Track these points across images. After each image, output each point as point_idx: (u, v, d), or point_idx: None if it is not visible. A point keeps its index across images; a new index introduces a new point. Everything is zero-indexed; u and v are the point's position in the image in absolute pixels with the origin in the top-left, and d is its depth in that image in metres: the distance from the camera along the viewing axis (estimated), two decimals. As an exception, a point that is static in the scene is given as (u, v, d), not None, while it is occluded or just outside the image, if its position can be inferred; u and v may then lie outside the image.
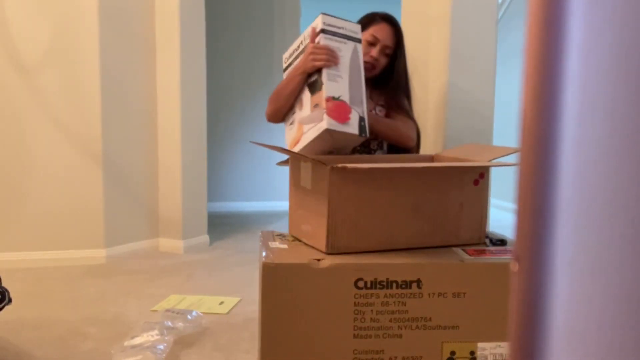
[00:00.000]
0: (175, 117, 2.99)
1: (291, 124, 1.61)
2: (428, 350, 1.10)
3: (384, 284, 1.08)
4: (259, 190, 4.53)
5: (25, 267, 2.60)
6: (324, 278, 1.07)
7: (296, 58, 1.58)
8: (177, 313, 1.81)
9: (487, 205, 1.34)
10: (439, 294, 1.09)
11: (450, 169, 1.21)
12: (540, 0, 0.31)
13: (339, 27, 1.51)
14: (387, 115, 1.80)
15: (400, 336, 1.09)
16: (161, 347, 1.55)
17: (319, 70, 1.48)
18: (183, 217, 3.03)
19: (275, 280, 1.07)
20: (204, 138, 3.20)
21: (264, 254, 1.13)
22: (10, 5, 2.57)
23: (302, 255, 1.11)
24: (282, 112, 1.65)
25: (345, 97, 1.46)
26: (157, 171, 3.06)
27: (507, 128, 4.18)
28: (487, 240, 1.26)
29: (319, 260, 1.08)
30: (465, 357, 1.12)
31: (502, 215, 3.98)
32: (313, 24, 1.53)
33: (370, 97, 1.82)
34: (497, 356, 1.12)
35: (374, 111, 1.79)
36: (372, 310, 1.08)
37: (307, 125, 1.49)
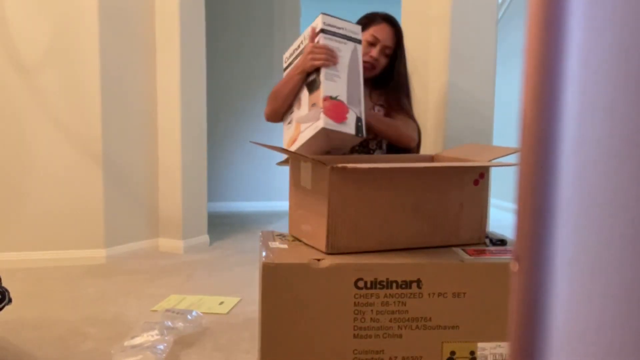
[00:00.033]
0: (175, 117, 2.99)
1: (289, 123, 1.62)
2: (428, 350, 1.10)
3: (384, 284, 1.08)
4: (259, 190, 4.53)
5: (25, 267, 2.60)
6: (324, 278, 1.07)
7: (296, 58, 1.59)
8: (177, 313, 1.81)
9: (487, 205, 1.34)
10: (439, 294, 1.09)
11: (450, 169, 1.21)
12: (540, 0, 0.31)
13: (339, 28, 1.51)
14: (387, 115, 1.80)
15: (400, 336, 1.09)
16: (161, 347, 1.55)
17: (317, 70, 1.48)
18: (183, 217, 3.03)
19: (275, 280, 1.07)
20: (204, 138, 3.20)
21: (264, 254, 1.13)
22: (10, 5, 2.57)
23: (302, 255, 1.11)
24: (280, 112, 1.65)
25: (343, 97, 1.46)
26: (157, 171, 3.06)
27: (507, 128, 4.18)
28: (487, 240, 1.26)
29: (319, 260, 1.08)
30: (465, 357, 1.12)
31: (502, 215, 3.98)
32: (313, 24, 1.54)
33: (369, 97, 1.82)
34: (497, 356, 1.12)
35: (373, 111, 1.79)
36: (372, 310, 1.08)
37: (305, 124, 1.49)
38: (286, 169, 1.40)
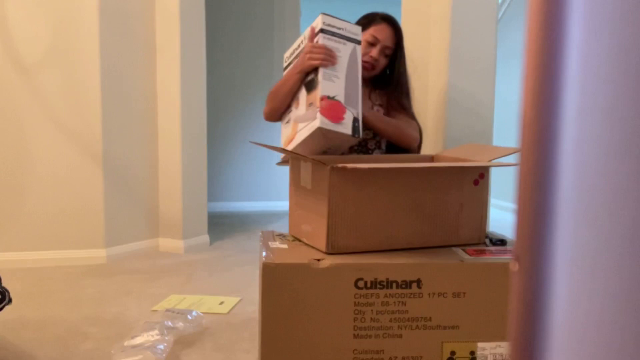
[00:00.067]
0: (176, 117, 2.99)
1: (287, 122, 1.62)
2: (428, 350, 1.11)
3: (384, 284, 1.08)
4: (259, 190, 4.53)
5: (25, 267, 2.60)
6: (324, 278, 1.07)
7: (296, 57, 1.59)
8: (177, 313, 1.81)
9: (487, 205, 1.34)
10: (439, 294, 1.09)
11: (450, 169, 1.21)
12: (540, 0, 0.31)
13: (339, 28, 1.51)
14: (387, 115, 1.80)
15: (400, 336, 1.09)
16: (161, 347, 1.55)
17: (316, 70, 1.48)
18: (183, 217, 3.03)
19: (276, 280, 1.07)
20: (204, 138, 3.20)
21: (264, 254, 1.13)
22: (10, 5, 2.57)
23: (302, 255, 1.11)
24: (279, 111, 1.66)
25: (341, 97, 1.46)
26: (158, 171, 3.06)
27: (507, 128, 4.18)
28: (487, 240, 1.26)
29: (319, 260, 1.08)
30: (465, 357, 1.12)
31: (502, 215, 3.98)
32: (313, 24, 1.54)
33: (369, 97, 1.82)
34: (497, 356, 1.12)
35: (373, 110, 1.79)
36: (372, 310, 1.08)
37: (302, 123, 1.49)
38: (286, 169, 1.40)
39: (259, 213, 4.32)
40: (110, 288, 2.30)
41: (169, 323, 1.70)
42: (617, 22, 0.30)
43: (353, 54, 1.52)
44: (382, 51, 1.76)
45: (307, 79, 1.53)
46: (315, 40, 1.50)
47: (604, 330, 0.31)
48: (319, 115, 1.41)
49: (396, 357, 1.10)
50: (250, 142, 1.64)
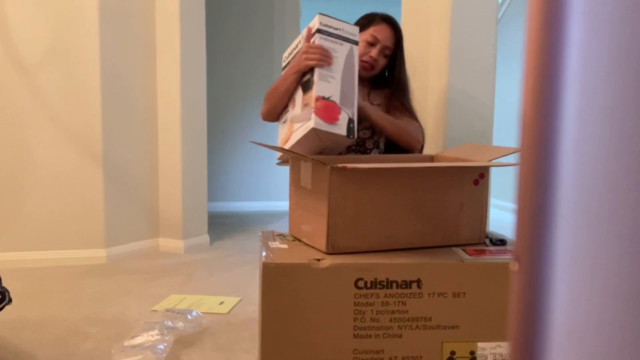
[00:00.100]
0: (176, 117, 2.99)
1: (284, 122, 1.62)
2: (428, 350, 1.11)
3: (384, 283, 1.08)
4: (259, 190, 4.54)
5: (25, 267, 2.60)
6: (324, 278, 1.07)
7: (294, 57, 1.59)
8: (178, 313, 1.82)
9: (487, 205, 1.34)
10: (439, 294, 1.09)
11: (450, 169, 1.21)
12: (540, 0, 0.31)
13: (336, 28, 1.51)
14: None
15: (400, 336, 1.09)
16: (161, 346, 1.55)
17: (312, 70, 1.48)
18: (183, 217, 3.03)
19: (276, 280, 1.07)
20: (204, 138, 3.20)
21: (264, 254, 1.13)
22: (10, 5, 2.57)
23: (302, 255, 1.11)
24: (276, 111, 1.66)
25: (336, 98, 1.46)
26: (158, 171, 3.06)
27: (507, 128, 4.18)
28: (487, 240, 1.26)
29: (319, 260, 1.08)
30: (465, 357, 1.12)
31: (502, 215, 3.98)
32: (310, 24, 1.54)
33: (368, 96, 1.82)
34: (497, 356, 1.12)
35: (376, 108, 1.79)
36: (372, 310, 1.08)
37: (297, 124, 1.49)
38: (286, 169, 1.40)
39: (259, 213, 4.32)
40: (110, 288, 2.30)
41: (169, 323, 1.71)
42: (617, 22, 0.30)
43: (350, 55, 1.52)
44: (381, 51, 1.76)
45: (303, 79, 1.53)
46: (311, 40, 1.50)
47: (604, 330, 0.31)
48: (313, 116, 1.41)
49: (396, 357, 1.10)
50: (250, 142, 1.64)
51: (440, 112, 2.32)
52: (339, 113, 1.45)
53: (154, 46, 2.99)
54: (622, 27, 0.30)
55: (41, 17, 2.61)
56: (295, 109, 1.54)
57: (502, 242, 1.25)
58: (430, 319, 1.10)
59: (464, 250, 1.18)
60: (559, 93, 0.30)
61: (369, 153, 1.77)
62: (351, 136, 1.46)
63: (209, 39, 3.56)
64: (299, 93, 1.54)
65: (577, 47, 0.30)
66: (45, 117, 2.64)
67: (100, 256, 2.72)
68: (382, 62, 1.78)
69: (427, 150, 2.19)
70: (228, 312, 2.01)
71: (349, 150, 1.73)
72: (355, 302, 1.08)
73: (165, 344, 1.57)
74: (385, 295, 1.08)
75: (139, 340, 1.59)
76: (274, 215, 4.22)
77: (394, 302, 1.08)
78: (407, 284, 1.08)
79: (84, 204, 2.71)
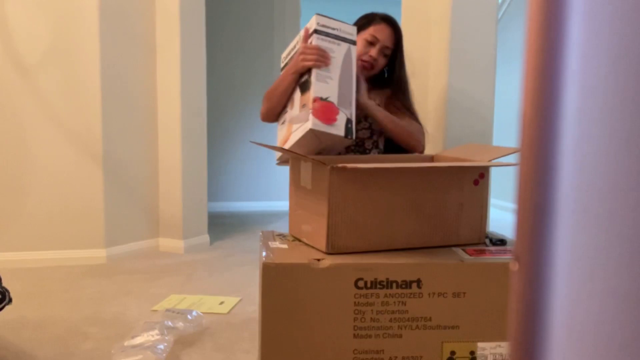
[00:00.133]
0: (176, 117, 2.99)
1: (283, 123, 1.62)
2: (428, 350, 1.11)
3: (384, 283, 1.08)
4: (259, 190, 4.54)
5: (25, 267, 2.60)
6: (324, 278, 1.07)
7: (292, 58, 1.59)
8: (178, 313, 1.82)
9: (487, 205, 1.34)
10: (439, 294, 1.09)
11: (450, 169, 1.21)
12: (540, 0, 0.31)
13: (333, 29, 1.51)
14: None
15: (400, 336, 1.09)
16: (161, 346, 1.55)
17: (310, 71, 1.48)
18: (183, 217, 3.03)
19: (275, 280, 1.07)
20: (204, 138, 3.20)
21: (264, 254, 1.13)
22: (10, 5, 2.57)
23: (302, 255, 1.11)
24: (275, 112, 1.66)
25: (334, 98, 1.46)
26: (158, 171, 3.06)
27: (507, 128, 4.18)
28: (487, 240, 1.26)
29: (319, 260, 1.08)
30: (465, 357, 1.12)
31: (502, 215, 3.98)
32: (307, 25, 1.54)
33: (367, 96, 1.82)
34: (497, 356, 1.12)
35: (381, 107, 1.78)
36: (372, 310, 1.08)
37: (296, 124, 1.49)
38: (286, 169, 1.40)
39: (259, 213, 4.32)
40: (110, 288, 2.30)
41: (169, 323, 1.71)
42: (617, 22, 0.30)
43: (347, 55, 1.51)
44: (381, 51, 1.76)
45: (301, 79, 1.53)
46: (309, 41, 1.50)
47: (604, 330, 0.31)
48: (311, 117, 1.41)
49: (396, 357, 1.10)
50: (250, 142, 1.64)
51: (440, 112, 2.32)
52: (337, 113, 1.45)
53: (154, 46, 2.99)
54: (622, 27, 0.30)
55: (41, 17, 2.61)
56: (294, 110, 1.54)
57: (502, 242, 1.25)
58: (430, 319, 1.10)
59: (464, 250, 1.18)
60: (559, 93, 0.30)
61: (368, 153, 1.77)
62: (349, 136, 1.46)
63: (209, 39, 3.56)
64: (297, 94, 1.54)
65: (577, 47, 0.30)
66: (45, 117, 2.64)
67: (100, 256, 2.73)
68: (382, 61, 1.78)
69: (427, 150, 2.19)
70: (228, 312, 2.01)
71: (348, 150, 1.73)
72: (355, 302, 1.08)
73: (165, 344, 1.57)
74: (385, 295, 1.08)
75: (139, 340, 1.59)
76: (274, 215, 4.22)
77: (394, 302, 1.08)
78: (407, 284, 1.08)
79: (84, 204, 2.71)
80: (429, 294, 1.09)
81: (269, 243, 1.22)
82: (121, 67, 2.81)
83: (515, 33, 4.32)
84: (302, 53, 1.48)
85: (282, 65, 1.69)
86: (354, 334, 1.08)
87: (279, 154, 1.62)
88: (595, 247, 0.31)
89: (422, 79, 2.36)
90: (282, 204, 4.36)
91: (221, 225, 3.75)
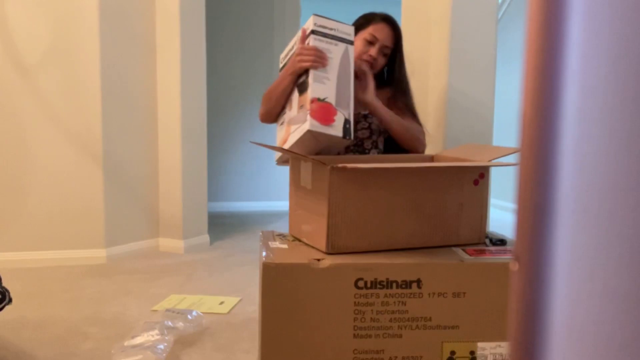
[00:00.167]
0: (176, 117, 2.99)
1: (281, 124, 1.63)
2: (428, 350, 1.11)
3: (384, 283, 1.08)
4: (259, 190, 4.53)
5: (25, 267, 2.60)
6: (324, 278, 1.07)
7: (290, 59, 1.59)
8: (178, 313, 1.82)
9: (487, 205, 1.34)
10: (439, 294, 1.09)
11: (450, 169, 1.21)
12: (540, 0, 0.31)
13: (331, 29, 1.51)
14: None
15: (400, 336, 1.09)
16: (161, 346, 1.55)
17: (307, 71, 1.48)
18: (183, 217, 3.03)
19: (276, 280, 1.07)
20: (204, 138, 3.20)
21: (264, 254, 1.13)
22: (10, 5, 2.57)
23: (302, 255, 1.11)
24: (273, 113, 1.66)
25: (332, 99, 1.46)
26: (158, 171, 3.06)
27: (507, 128, 4.18)
28: (487, 240, 1.26)
29: (319, 260, 1.08)
30: (465, 357, 1.12)
31: (502, 215, 3.98)
32: (305, 25, 1.54)
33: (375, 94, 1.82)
34: (497, 356, 1.12)
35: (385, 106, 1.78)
36: (372, 310, 1.08)
37: (294, 125, 1.49)
38: (286, 169, 1.40)
39: (259, 213, 4.32)
40: (110, 288, 2.30)
41: (169, 323, 1.71)
42: (617, 22, 0.30)
43: (345, 55, 1.51)
44: (380, 50, 1.76)
45: (299, 80, 1.53)
46: (306, 41, 1.50)
47: (604, 330, 0.31)
48: (308, 118, 1.41)
49: (396, 357, 1.10)
50: (250, 142, 1.64)
51: (440, 112, 2.32)
52: (335, 114, 1.44)
53: (154, 46, 2.99)
54: (622, 27, 0.30)
55: (41, 17, 2.61)
56: (292, 111, 1.54)
57: (502, 242, 1.25)
58: (430, 319, 1.10)
59: (464, 250, 1.18)
60: (559, 93, 0.30)
61: (368, 153, 1.77)
62: (347, 137, 1.46)
63: (209, 39, 3.56)
64: (296, 95, 1.54)
65: (577, 47, 0.30)
66: (45, 117, 2.64)
67: (100, 256, 2.72)
68: (381, 61, 1.78)
69: (427, 150, 2.19)
70: (228, 312, 2.01)
71: (348, 150, 1.73)
72: (355, 302, 1.08)
73: (165, 344, 1.57)
74: (385, 295, 1.08)
75: (139, 340, 1.59)
76: (274, 215, 4.22)
77: (394, 302, 1.08)
78: (407, 284, 1.08)
79: (84, 204, 2.71)
80: (429, 294, 1.09)
81: (269, 243, 1.23)
82: (121, 67, 2.81)
83: (515, 33, 4.32)
84: (300, 54, 1.49)
85: (280, 66, 1.70)
86: (354, 334, 1.08)
87: (278, 154, 1.62)
88: (595, 247, 0.31)
89: (422, 79, 2.36)
90: (282, 204, 4.35)
91: (221, 225, 3.75)
